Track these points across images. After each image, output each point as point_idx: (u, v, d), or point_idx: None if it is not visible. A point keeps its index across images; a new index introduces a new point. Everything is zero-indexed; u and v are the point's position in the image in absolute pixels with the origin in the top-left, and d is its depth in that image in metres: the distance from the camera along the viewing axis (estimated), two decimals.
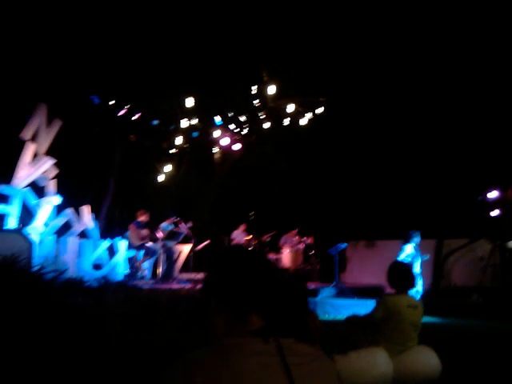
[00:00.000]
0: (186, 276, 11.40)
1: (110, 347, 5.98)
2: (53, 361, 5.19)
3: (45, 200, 10.00)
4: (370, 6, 12.73)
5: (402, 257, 9.81)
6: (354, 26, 12.96)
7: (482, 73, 12.89)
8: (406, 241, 10.21)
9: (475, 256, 13.80)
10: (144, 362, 4.82)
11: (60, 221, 10.19)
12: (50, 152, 10.26)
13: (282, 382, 1.08)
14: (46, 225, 9.87)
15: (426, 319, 8.27)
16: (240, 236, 13.07)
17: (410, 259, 9.72)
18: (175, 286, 9.79)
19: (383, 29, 12.91)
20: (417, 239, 10.17)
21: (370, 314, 4.16)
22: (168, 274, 10.99)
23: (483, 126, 13.16)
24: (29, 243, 8.30)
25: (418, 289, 9.52)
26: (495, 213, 13.89)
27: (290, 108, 13.61)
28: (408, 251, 10.01)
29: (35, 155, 10.06)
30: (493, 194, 13.90)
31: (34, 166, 9.92)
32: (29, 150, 9.92)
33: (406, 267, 4.36)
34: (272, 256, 13.42)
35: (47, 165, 10.11)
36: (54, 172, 10.35)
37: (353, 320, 4.30)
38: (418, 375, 3.89)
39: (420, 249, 10.32)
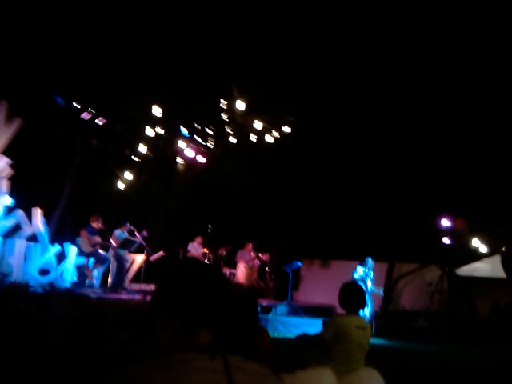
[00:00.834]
0: (136, 286, 11.16)
1: (51, 355, 5.76)
2: None
3: None
4: (340, 22, 13.01)
5: (355, 276, 10.03)
6: (324, 45, 13.22)
7: (438, 100, 13.39)
8: (360, 263, 10.44)
9: (424, 281, 14.20)
10: (86, 373, 4.67)
11: (8, 222, 9.80)
12: (6, 151, 9.91)
13: None
14: None
15: (374, 341, 8.40)
16: (196, 249, 12.95)
17: (360, 281, 9.91)
18: (125, 296, 9.56)
19: (351, 49, 13.23)
20: (369, 264, 10.42)
21: (320, 334, 4.18)
22: (118, 284, 10.72)
23: (439, 156, 13.65)
24: None
25: (366, 313, 9.68)
26: (446, 240, 14.37)
27: (258, 125, 13.70)
28: (360, 273, 10.24)
29: None
30: (444, 223, 14.38)
31: None
32: None
33: (358, 288, 4.41)
34: (227, 271, 13.34)
35: (2, 164, 9.75)
36: (9, 172, 9.99)
37: (303, 339, 4.30)
38: None
39: (374, 272, 10.54)
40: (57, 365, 5.29)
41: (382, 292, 10.76)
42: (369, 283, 10.26)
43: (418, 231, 13.91)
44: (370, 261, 10.40)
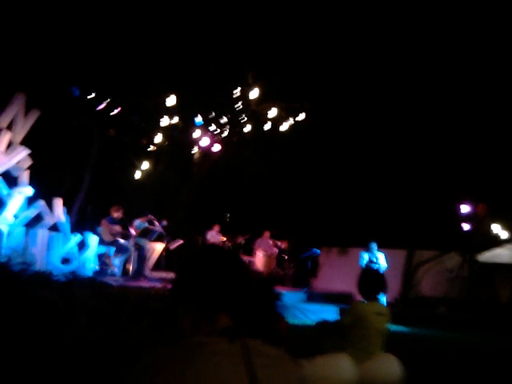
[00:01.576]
0: (157, 275, 11.30)
1: (74, 341, 5.90)
2: (16, 351, 5.09)
3: (16, 190, 9.79)
4: (353, 11, 12.87)
5: (362, 263, 10.11)
6: (338, 33, 13.09)
7: (456, 86, 13.18)
8: (365, 250, 10.47)
9: (444, 268, 14.07)
10: (108, 358, 4.77)
11: (31, 212, 9.98)
12: (25, 142, 10.07)
13: (246, 383, 1.07)
14: (16, 216, 9.66)
15: (393, 328, 8.38)
16: (214, 237, 13.03)
17: (379, 266, 9.91)
18: (145, 284, 9.69)
19: (365, 36, 13.08)
20: (374, 249, 10.43)
21: (339, 320, 4.20)
22: (139, 272, 10.87)
23: (459, 141, 13.44)
24: None
25: (385, 298, 9.68)
26: (466, 227, 14.20)
27: (273, 112, 13.64)
28: (365, 259, 10.29)
29: (10, 144, 9.86)
30: (465, 209, 14.20)
31: (7, 156, 9.72)
32: (4, 139, 9.71)
33: (376, 274, 4.41)
34: (245, 259, 13.42)
35: (22, 155, 9.91)
36: (28, 162, 10.15)
37: (322, 325, 4.33)
38: (380, 382, 3.94)
39: (388, 258, 10.53)
40: (79, 351, 5.42)
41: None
42: (385, 269, 10.22)
43: (437, 218, 13.77)
44: (374, 246, 10.39)
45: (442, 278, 13.85)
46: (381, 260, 10.49)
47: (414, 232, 14.29)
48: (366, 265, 9.99)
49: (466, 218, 14.33)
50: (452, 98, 13.46)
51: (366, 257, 10.35)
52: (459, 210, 14.21)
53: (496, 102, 13.17)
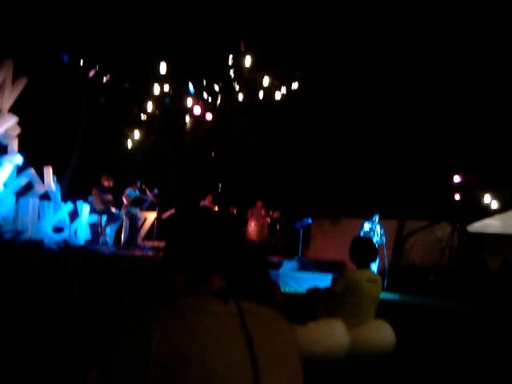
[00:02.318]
0: (149, 244, 11.32)
1: (68, 310, 5.90)
2: (10, 322, 5.08)
3: (6, 159, 9.66)
4: None
5: (361, 232, 10.11)
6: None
7: (448, 58, 13.06)
8: (368, 219, 10.49)
9: (435, 238, 14.22)
10: (102, 326, 4.77)
11: (21, 181, 9.89)
12: (14, 110, 9.88)
13: (241, 343, 1.06)
14: (6, 184, 9.56)
15: (384, 295, 8.51)
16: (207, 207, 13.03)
17: (371, 235, 9.97)
18: (138, 253, 9.71)
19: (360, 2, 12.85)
20: (376, 219, 10.46)
21: (331, 287, 4.22)
22: (131, 241, 10.87)
23: (451, 111, 13.40)
24: None
25: (373, 267, 9.77)
26: (457, 197, 14.29)
27: (266, 81, 13.46)
28: (365, 229, 10.32)
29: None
30: (456, 179, 14.26)
31: None
32: None
33: (368, 242, 4.42)
34: None
35: (10, 122, 9.74)
36: (18, 130, 9.99)
37: (313, 292, 4.35)
38: (373, 347, 3.99)
39: (382, 228, 10.57)
40: (73, 319, 5.43)
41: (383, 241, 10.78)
42: (375, 238, 10.30)
43: (429, 188, 13.84)
44: (376, 217, 10.43)
45: (433, 247, 14.02)
46: (383, 231, 10.56)
47: (405, 202, 14.37)
48: (364, 234, 10.04)
49: (457, 188, 14.41)
50: (444, 69, 13.35)
51: (366, 227, 10.39)
52: (450, 180, 14.27)
53: (487, 72, 13.08)
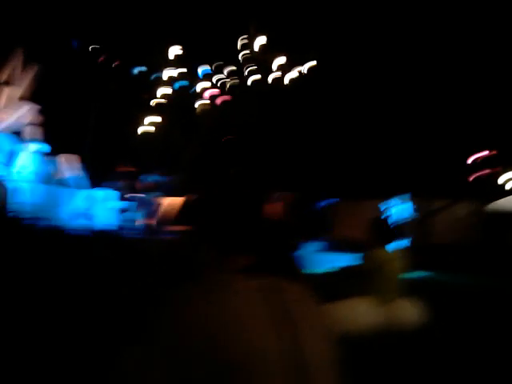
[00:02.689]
0: (172, 227, 11.42)
1: (102, 294, 6.06)
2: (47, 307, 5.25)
3: (26, 146, 9.80)
4: None
5: (386, 212, 10.05)
6: None
7: (473, 30, 12.74)
8: (391, 200, 10.43)
9: (458, 215, 14.09)
10: (134, 309, 4.90)
11: (43, 169, 10.03)
12: (27, 97, 9.96)
13: (266, 319, 1.08)
14: (32, 173, 9.73)
15: (411, 274, 8.47)
16: None
17: (393, 215, 9.93)
18: (163, 236, 9.82)
19: None
20: (402, 199, 10.38)
21: (356, 266, 4.26)
22: (158, 226, 11.01)
23: (472, 88, 13.14)
24: (4, 189, 8.18)
25: (398, 247, 9.73)
26: (477, 175, 14.11)
27: (278, 61, 13.30)
28: (390, 208, 10.25)
29: (11, 100, 9.78)
30: (477, 156, 14.06)
31: (9, 111, 9.65)
32: (3, 95, 9.62)
33: (389, 221, 4.45)
34: None
35: (24, 110, 9.82)
36: (32, 118, 10.08)
37: (340, 272, 4.39)
38: (403, 324, 4.01)
39: (407, 208, 10.52)
40: (109, 301, 5.59)
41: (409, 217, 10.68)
42: (402, 220, 10.24)
43: (450, 166, 13.67)
44: (402, 197, 10.35)
45: (457, 225, 13.90)
46: (405, 211, 10.49)
47: (427, 181, 14.24)
48: (387, 214, 9.98)
49: (479, 165, 14.21)
50: (465, 45, 13.03)
51: (389, 206, 10.32)
52: (471, 157, 14.07)
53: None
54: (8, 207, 7.88)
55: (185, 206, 1.32)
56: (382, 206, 10.35)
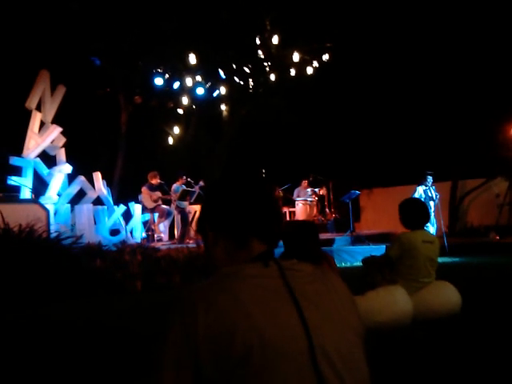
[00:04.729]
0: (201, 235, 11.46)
1: (132, 305, 6.11)
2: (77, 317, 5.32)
3: (56, 169, 10.03)
4: None
5: (415, 195, 9.85)
6: None
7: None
8: (421, 183, 10.19)
9: (491, 195, 13.69)
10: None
11: (73, 189, 10.24)
12: (56, 120, 10.21)
13: (287, 302, 1.05)
14: (59, 194, 9.94)
15: (445, 259, 8.26)
16: None
17: (425, 199, 9.70)
18: (191, 245, 9.87)
19: None
20: (430, 182, 10.13)
21: (386, 253, 4.13)
22: (184, 235, 11.09)
23: (503, 63, 12.75)
24: (45, 211, 8.40)
25: (431, 230, 9.48)
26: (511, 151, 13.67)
27: (296, 57, 13.24)
28: (419, 192, 10.03)
29: (42, 124, 10.04)
30: (507, 132, 13.64)
31: (42, 136, 9.91)
32: (35, 120, 9.88)
33: (419, 202, 4.31)
34: (286, 210, 13.44)
35: (55, 133, 10.08)
36: (63, 140, 10.33)
37: (369, 260, 4.27)
38: (438, 310, 3.88)
39: (436, 190, 10.28)
40: (137, 312, 5.63)
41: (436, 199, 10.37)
42: (431, 203, 10.00)
43: (479, 145, 13.29)
44: (429, 178, 10.10)
45: (490, 205, 13.49)
46: (437, 194, 10.26)
47: (456, 162, 13.89)
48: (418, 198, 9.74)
49: (510, 141, 13.77)
50: (489, 25, 12.64)
51: (420, 190, 10.11)
52: (502, 134, 13.65)
53: None
54: (50, 229, 8.12)
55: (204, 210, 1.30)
56: (412, 192, 10.12)
